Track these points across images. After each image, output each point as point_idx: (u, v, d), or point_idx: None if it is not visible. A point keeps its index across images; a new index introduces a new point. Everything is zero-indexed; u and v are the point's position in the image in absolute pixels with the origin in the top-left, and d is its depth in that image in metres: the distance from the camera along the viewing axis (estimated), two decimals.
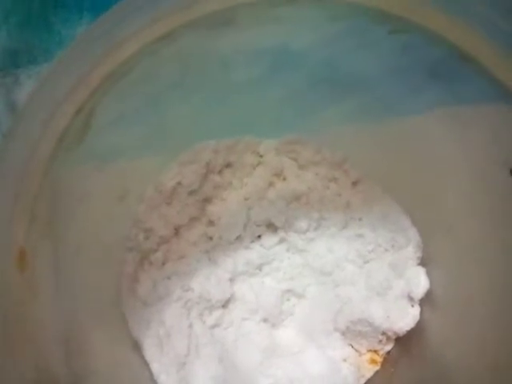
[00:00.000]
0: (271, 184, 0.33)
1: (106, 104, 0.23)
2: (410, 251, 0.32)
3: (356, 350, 0.33)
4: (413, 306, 0.31)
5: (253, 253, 0.33)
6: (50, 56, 0.37)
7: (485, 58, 0.20)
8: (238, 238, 0.33)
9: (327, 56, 0.27)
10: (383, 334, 0.31)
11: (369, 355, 0.33)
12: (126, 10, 0.20)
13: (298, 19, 0.22)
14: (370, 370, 0.32)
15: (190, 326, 0.31)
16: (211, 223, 0.33)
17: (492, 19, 0.19)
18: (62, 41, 0.37)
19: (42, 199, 0.22)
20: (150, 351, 0.30)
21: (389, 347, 0.32)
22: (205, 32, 0.22)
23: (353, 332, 0.32)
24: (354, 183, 0.33)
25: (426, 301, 0.31)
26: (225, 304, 0.32)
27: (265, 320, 0.33)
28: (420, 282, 0.31)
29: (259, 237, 0.33)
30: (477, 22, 0.19)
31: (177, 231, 0.32)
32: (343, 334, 0.32)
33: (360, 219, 0.33)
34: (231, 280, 0.32)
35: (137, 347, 0.30)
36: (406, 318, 0.31)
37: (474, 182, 0.28)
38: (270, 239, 0.33)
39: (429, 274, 0.31)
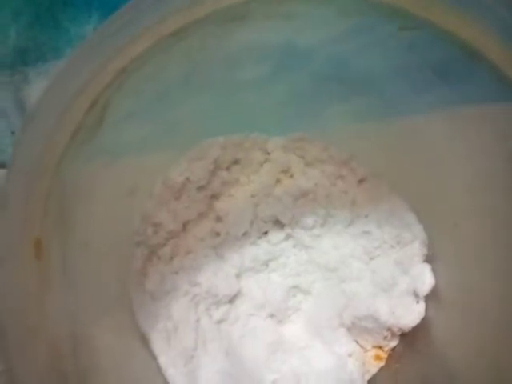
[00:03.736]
0: (278, 181, 0.33)
1: (117, 100, 0.23)
2: (416, 248, 0.32)
3: (361, 346, 0.33)
4: (418, 302, 0.31)
5: (259, 249, 0.33)
6: (58, 54, 0.37)
7: (495, 56, 0.20)
8: (245, 234, 0.33)
9: (334, 54, 0.27)
10: (388, 330, 0.32)
11: (374, 351, 0.33)
12: (138, 7, 0.20)
13: (308, 15, 0.22)
14: (375, 366, 0.33)
15: (198, 320, 0.31)
16: (219, 219, 0.33)
17: (504, 17, 0.19)
18: (70, 39, 0.37)
19: (55, 193, 0.23)
20: (158, 345, 0.30)
21: (394, 343, 0.32)
22: (215, 29, 0.22)
23: (358, 328, 0.32)
24: (361, 181, 0.34)
25: (431, 297, 0.31)
26: (232, 299, 0.32)
27: (271, 316, 0.33)
28: (425, 279, 0.31)
29: (266, 233, 0.34)
30: (488, 19, 0.19)
31: (185, 226, 0.32)
32: (349, 329, 0.33)
33: (366, 216, 0.33)
34: (238, 276, 0.33)
35: (145, 341, 0.31)
36: (411, 315, 0.31)
37: (479, 180, 0.28)
38: (276, 235, 0.33)
39: (434, 270, 0.31)
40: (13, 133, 0.36)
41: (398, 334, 0.32)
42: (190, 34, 0.21)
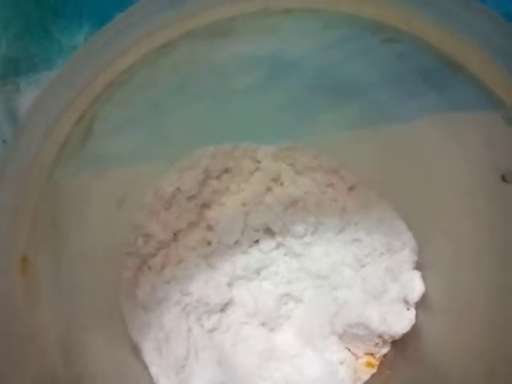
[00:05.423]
0: (269, 189, 0.34)
1: (107, 111, 0.23)
2: (406, 255, 0.32)
3: (353, 354, 0.33)
4: (408, 309, 0.31)
5: (251, 257, 0.33)
6: (49, 64, 0.37)
7: (475, 67, 0.21)
8: (236, 242, 0.33)
9: (323, 63, 0.28)
10: (379, 337, 0.32)
11: (365, 358, 0.33)
12: (126, 21, 0.20)
13: (293, 28, 0.23)
14: (366, 373, 0.33)
15: (189, 329, 0.31)
16: (210, 228, 0.33)
17: (482, 29, 0.20)
18: (61, 49, 0.37)
19: (44, 205, 0.23)
20: (150, 355, 0.30)
21: (385, 350, 0.32)
22: (202, 42, 0.22)
23: (349, 335, 0.32)
24: (350, 188, 0.34)
25: (422, 304, 0.31)
26: (223, 308, 0.33)
27: (263, 324, 0.33)
28: (415, 286, 0.31)
29: (257, 241, 0.34)
30: (467, 32, 0.20)
31: (176, 236, 0.32)
32: (340, 337, 0.33)
33: (356, 224, 0.33)
34: (229, 284, 0.33)
35: (136, 351, 0.31)
36: (401, 322, 0.31)
37: (468, 187, 0.28)
38: (267, 244, 0.34)
39: (424, 277, 0.31)
40: (4, 142, 0.36)
41: (390, 341, 0.32)
42: (178, 47, 0.22)
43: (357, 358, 0.33)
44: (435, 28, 0.20)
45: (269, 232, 0.33)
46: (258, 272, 0.34)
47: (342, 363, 0.33)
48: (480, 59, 0.20)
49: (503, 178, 0.24)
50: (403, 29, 0.20)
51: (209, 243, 0.33)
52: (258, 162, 0.34)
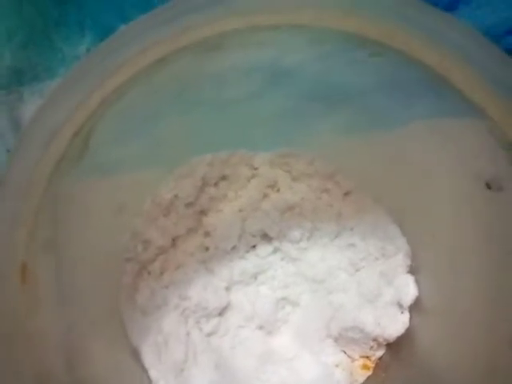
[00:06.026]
0: (265, 195, 0.34)
1: (104, 125, 0.24)
2: (400, 260, 0.32)
3: (349, 356, 0.33)
4: (402, 312, 0.32)
5: (248, 262, 0.34)
6: (52, 73, 0.37)
7: (456, 78, 0.21)
8: (234, 248, 0.34)
9: (317, 72, 0.28)
10: (374, 340, 0.32)
11: (361, 361, 0.33)
12: (121, 39, 0.21)
13: (283, 43, 0.23)
14: (362, 375, 0.33)
15: (188, 333, 0.32)
16: (207, 234, 0.34)
17: (462, 44, 0.20)
18: (64, 58, 0.37)
19: (43, 213, 0.23)
20: (149, 358, 0.31)
21: (380, 353, 0.33)
22: (196, 56, 0.23)
23: (345, 338, 0.33)
24: (346, 194, 0.34)
25: (415, 308, 0.31)
26: (221, 312, 0.33)
27: (260, 327, 0.34)
28: (409, 290, 0.31)
29: (254, 247, 0.34)
30: (448, 45, 0.20)
31: (174, 242, 0.33)
32: (336, 340, 0.33)
33: (351, 229, 0.34)
34: (227, 289, 0.33)
35: (136, 354, 0.31)
36: (395, 325, 0.31)
37: (457, 193, 0.28)
38: (264, 249, 0.34)
39: (417, 281, 0.32)
40: (8, 151, 0.37)
41: (384, 343, 0.32)
42: (171, 61, 0.22)
43: (353, 360, 0.33)
44: (417, 42, 0.21)
45: (265, 237, 0.34)
46: (255, 277, 0.34)
47: (337, 366, 0.33)
48: (462, 72, 0.21)
49: (487, 186, 0.25)
50: (387, 43, 0.21)
51: (207, 249, 0.33)
52: (255, 168, 0.34)
